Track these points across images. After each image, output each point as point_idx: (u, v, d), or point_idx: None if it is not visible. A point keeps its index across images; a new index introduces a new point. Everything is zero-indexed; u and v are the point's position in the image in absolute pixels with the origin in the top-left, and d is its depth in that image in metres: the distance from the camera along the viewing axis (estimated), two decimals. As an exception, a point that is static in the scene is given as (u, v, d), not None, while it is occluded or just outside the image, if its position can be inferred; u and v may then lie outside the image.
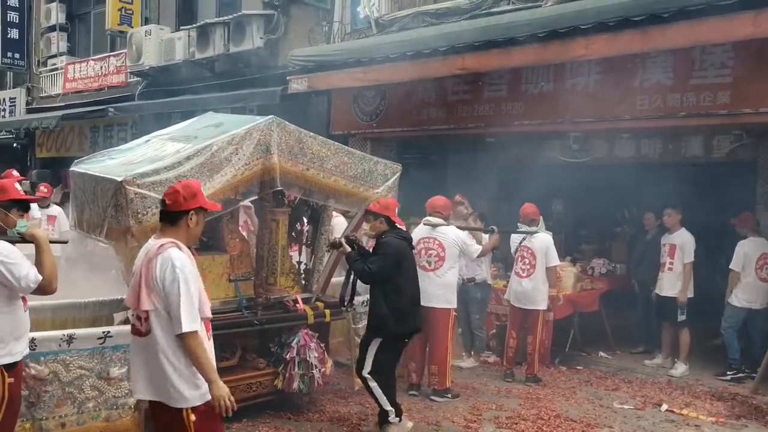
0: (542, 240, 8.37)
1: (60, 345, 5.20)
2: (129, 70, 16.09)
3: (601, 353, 9.86)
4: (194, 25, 14.09)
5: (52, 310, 6.36)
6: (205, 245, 6.35)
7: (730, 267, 8.78)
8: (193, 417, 3.98)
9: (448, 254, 7.56)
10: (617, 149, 10.73)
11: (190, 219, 4.10)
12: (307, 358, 6.46)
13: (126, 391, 5.53)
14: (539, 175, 10.47)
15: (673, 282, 9.02)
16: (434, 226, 7.64)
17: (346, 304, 6.67)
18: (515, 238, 8.68)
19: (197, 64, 14.19)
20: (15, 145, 20.44)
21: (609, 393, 8.13)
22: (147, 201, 5.36)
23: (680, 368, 8.97)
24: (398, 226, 6.46)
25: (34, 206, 9.82)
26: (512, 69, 9.46)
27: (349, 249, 6.34)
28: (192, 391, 3.99)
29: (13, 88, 21.16)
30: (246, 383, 6.37)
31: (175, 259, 3.92)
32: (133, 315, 4.15)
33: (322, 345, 6.73)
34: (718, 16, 7.07)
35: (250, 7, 13.26)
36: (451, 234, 7.63)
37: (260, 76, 12.82)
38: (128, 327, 5.73)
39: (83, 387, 5.33)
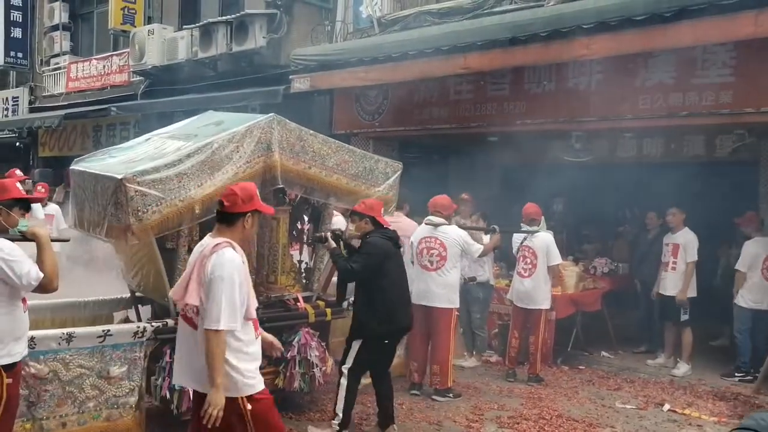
0: (543, 239, 8.37)
1: (59, 343, 5.19)
2: (132, 70, 16.10)
3: (604, 353, 9.85)
4: (197, 25, 14.08)
5: (51, 309, 6.36)
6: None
7: (736, 267, 8.76)
8: (249, 405, 4.16)
9: (449, 254, 7.55)
10: (619, 149, 10.74)
11: (247, 221, 4.32)
12: (308, 357, 6.44)
13: (127, 391, 5.55)
14: (541, 174, 10.47)
15: (676, 281, 9.02)
16: (436, 225, 7.64)
17: (338, 302, 6.69)
18: (517, 238, 8.68)
19: (200, 64, 14.18)
20: (18, 144, 20.45)
21: (611, 393, 8.12)
22: (147, 199, 5.33)
23: (683, 368, 8.96)
24: (384, 226, 6.38)
25: (37, 206, 9.85)
26: (514, 68, 9.46)
27: (333, 244, 6.25)
28: (245, 380, 4.18)
29: (16, 87, 21.18)
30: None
31: (228, 260, 4.11)
32: (189, 307, 4.30)
33: (323, 344, 6.71)
34: (720, 15, 7.08)
35: (252, 7, 13.26)
36: (452, 233, 7.62)
37: (263, 76, 12.83)
38: (128, 326, 5.83)
39: (83, 386, 5.32)
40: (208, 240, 4.31)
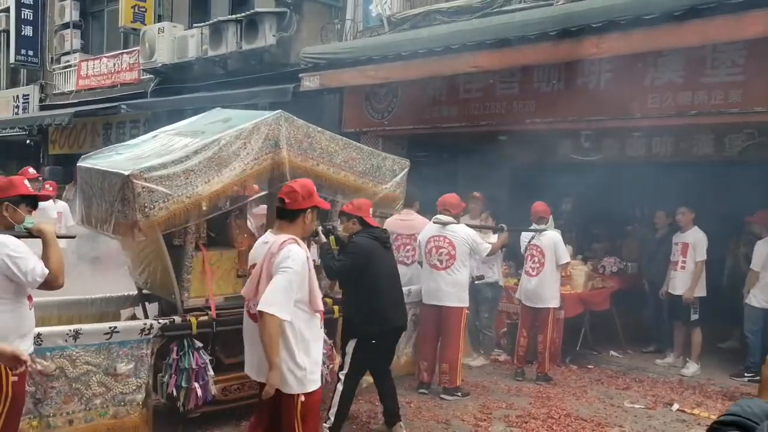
0: (551, 238, 8.35)
1: (66, 340, 5.21)
2: (142, 68, 16.13)
3: (612, 352, 9.83)
4: (207, 23, 14.09)
5: (58, 306, 6.39)
6: (213, 241, 6.36)
7: (751, 267, 8.71)
8: (302, 398, 4.38)
9: (458, 252, 7.54)
10: (628, 148, 10.69)
11: (307, 217, 4.56)
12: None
13: (133, 388, 5.56)
14: (550, 173, 10.44)
15: (685, 281, 8.98)
16: (444, 224, 7.62)
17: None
18: (525, 237, 8.66)
19: (210, 62, 14.20)
20: (28, 141, 20.55)
21: (620, 392, 8.10)
22: (154, 195, 5.34)
23: (692, 368, 8.93)
24: (371, 225, 6.32)
25: (49, 204, 9.90)
26: (524, 67, 9.43)
27: (324, 239, 6.20)
28: (307, 377, 4.39)
29: (27, 85, 21.28)
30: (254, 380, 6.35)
31: (296, 254, 4.30)
32: (251, 303, 4.52)
33: (331, 341, 6.70)
34: (730, 14, 7.02)
35: (262, 5, 13.27)
36: (461, 232, 7.61)
37: (272, 74, 12.82)
38: (135, 323, 5.85)
39: (90, 383, 5.34)
40: (271, 237, 4.51)
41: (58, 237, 4.57)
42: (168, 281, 5.90)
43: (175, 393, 5.72)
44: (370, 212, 6.33)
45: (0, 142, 22.06)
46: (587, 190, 10.17)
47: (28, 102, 20.86)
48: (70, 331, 5.24)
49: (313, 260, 6.86)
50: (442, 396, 7.58)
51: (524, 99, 9.83)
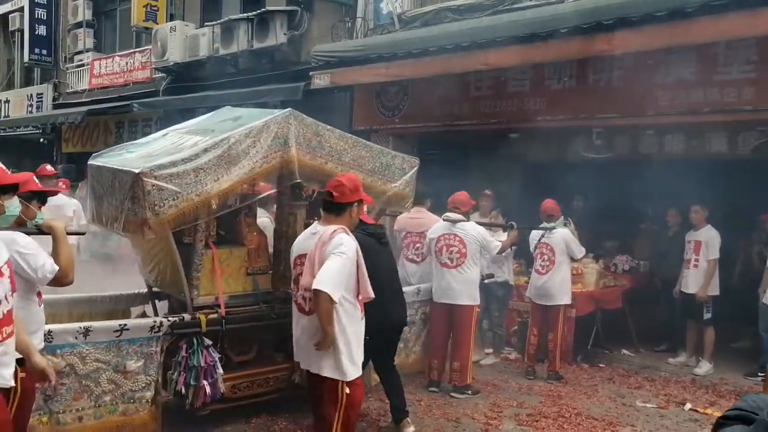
0: (561, 235, 8.32)
1: (76, 337, 5.22)
2: (154, 66, 16.20)
3: (624, 351, 9.76)
4: (218, 22, 14.15)
5: (68, 303, 6.40)
6: (222, 239, 6.36)
7: (767, 267, 8.64)
8: (347, 389, 4.63)
9: (469, 250, 7.52)
10: (640, 145, 10.63)
11: (353, 210, 4.81)
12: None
13: (143, 385, 5.57)
14: (562, 171, 10.40)
15: (698, 279, 8.91)
16: (454, 222, 7.60)
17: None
18: (534, 235, 8.63)
19: (221, 60, 14.25)
20: (42, 140, 20.66)
21: (632, 391, 8.05)
22: (164, 193, 5.34)
23: (705, 367, 8.86)
24: (366, 222, 6.30)
25: (66, 201, 9.96)
26: (535, 65, 9.40)
27: None
28: (349, 366, 4.64)
29: (41, 83, 21.39)
30: (263, 377, 6.37)
31: (347, 241, 4.56)
32: (298, 294, 4.82)
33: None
34: (743, 10, 6.97)
35: (273, 3, 13.29)
36: (471, 230, 7.59)
37: (283, 72, 12.87)
38: (145, 321, 5.86)
39: (100, 380, 5.36)
40: (319, 228, 4.73)
41: (68, 234, 4.58)
42: (178, 279, 5.91)
43: (184, 390, 5.73)
44: (365, 209, 6.30)
45: (14, 141, 22.19)
46: (599, 188, 10.13)
47: (41, 101, 20.99)
48: (81, 328, 5.26)
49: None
50: (452, 394, 7.57)
51: (535, 96, 9.81)
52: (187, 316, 5.83)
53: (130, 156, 6.14)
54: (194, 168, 5.52)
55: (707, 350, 8.93)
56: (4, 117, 22.18)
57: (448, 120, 10.87)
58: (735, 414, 1.67)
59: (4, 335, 3.64)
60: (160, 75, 16.34)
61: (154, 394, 5.65)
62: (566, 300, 8.39)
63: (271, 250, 6.53)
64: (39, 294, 4.39)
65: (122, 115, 17.68)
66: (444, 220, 7.68)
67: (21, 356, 4.20)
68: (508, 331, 9.42)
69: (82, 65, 19.44)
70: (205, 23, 14.97)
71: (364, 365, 6.24)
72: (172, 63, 15.12)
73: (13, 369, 3.79)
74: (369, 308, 5.93)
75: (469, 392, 7.60)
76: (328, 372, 4.64)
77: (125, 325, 5.49)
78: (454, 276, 7.50)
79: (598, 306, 9.29)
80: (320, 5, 12.76)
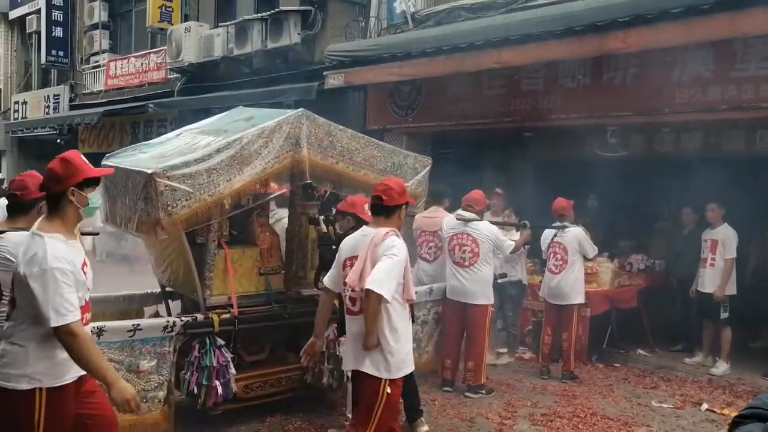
0: (574, 235, 8.27)
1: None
2: (169, 67, 16.26)
3: (640, 350, 9.70)
4: (233, 22, 14.19)
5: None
6: (235, 239, 6.37)
7: None
8: (388, 389, 4.67)
9: (482, 250, 7.49)
10: (656, 143, 10.57)
11: (401, 212, 4.91)
12: (337, 353, 6.43)
13: (155, 385, 5.58)
14: (577, 169, 10.34)
15: (714, 278, 8.83)
16: (467, 221, 7.58)
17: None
18: (547, 235, 8.59)
19: (235, 60, 14.29)
20: (59, 141, 20.78)
21: (647, 391, 8.00)
22: (177, 193, 5.36)
23: (721, 367, 8.79)
24: (366, 222, 6.28)
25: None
26: (549, 63, 9.34)
27: (324, 229, 6.21)
28: (397, 363, 4.69)
29: (57, 85, 21.56)
30: (276, 377, 6.38)
31: (397, 244, 4.66)
32: (346, 296, 4.87)
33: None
34: (761, 6, 6.89)
35: (287, 4, 13.29)
36: (484, 229, 7.56)
37: (297, 72, 12.89)
38: (158, 320, 5.87)
39: (113, 380, 5.36)
40: (370, 230, 4.82)
41: (82, 234, 4.58)
42: (190, 279, 5.92)
43: (196, 390, 5.74)
44: (365, 208, 6.29)
45: (32, 141, 22.38)
46: (614, 187, 10.07)
47: (58, 102, 21.13)
48: (94, 328, 5.24)
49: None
50: (466, 394, 7.55)
51: (549, 95, 9.76)
52: (199, 316, 5.84)
53: (143, 156, 6.16)
54: (207, 168, 5.54)
55: (724, 350, 8.85)
56: (22, 118, 22.36)
57: (462, 119, 10.84)
58: (750, 413, 1.68)
59: (86, 320, 3.79)
60: (175, 75, 16.40)
61: (167, 393, 5.66)
62: (580, 299, 8.34)
63: (283, 249, 6.53)
64: None
65: (138, 116, 17.77)
66: (457, 218, 7.65)
67: None
68: (522, 331, 9.40)
69: (98, 66, 19.56)
70: (220, 23, 15.00)
71: None
72: (186, 63, 15.17)
73: None
74: None
75: (483, 392, 7.58)
76: (370, 369, 4.68)
77: (138, 325, 5.51)
78: (467, 275, 7.48)
79: (613, 305, 9.25)
80: (334, 5, 12.77)
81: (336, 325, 6.45)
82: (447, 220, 7.80)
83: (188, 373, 5.77)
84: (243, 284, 6.24)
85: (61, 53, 20.73)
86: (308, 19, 12.86)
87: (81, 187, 3.76)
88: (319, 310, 5.21)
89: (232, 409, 6.10)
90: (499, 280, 8.33)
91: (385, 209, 4.84)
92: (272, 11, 13.15)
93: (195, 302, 6.10)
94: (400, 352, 4.72)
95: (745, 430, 1.66)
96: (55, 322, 3.47)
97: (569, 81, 9.54)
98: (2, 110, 23.76)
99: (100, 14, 19.29)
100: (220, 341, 5.88)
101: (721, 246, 8.80)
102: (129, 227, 5.78)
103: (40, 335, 3.60)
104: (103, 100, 18.85)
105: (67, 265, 3.57)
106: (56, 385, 3.65)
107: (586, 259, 8.43)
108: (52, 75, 22.02)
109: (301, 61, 13.11)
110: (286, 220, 6.90)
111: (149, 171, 5.37)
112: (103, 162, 6.46)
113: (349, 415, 6.13)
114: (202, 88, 15.04)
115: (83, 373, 3.74)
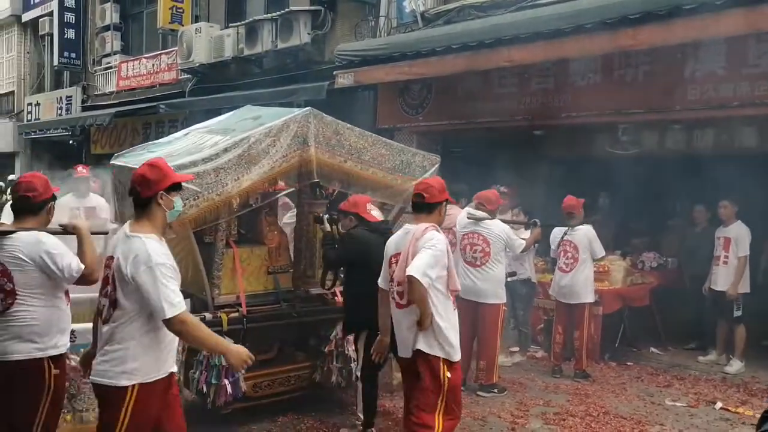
0: (584, 233, 8.24)
1: (99, 336, 5.23)
2: (180, 68, 16.25)
3: (653, 349, 9.66)
4: (243, 22, 14.18)
5: (91, 302, 6.37)
6: (243, 238, 6.37)
7: None
8: (449, 374, 4.89)
9: (493, 249, 7.48)
10: (668, 141, 10.49)
11: (442, 209, 5.12)
12: (346, 352, 6.43)
13: (165, 384, 5.57)
14: (588, 167, 10.29)
15: (728, 276, 8.77)
16: (478, 220, 7.55)
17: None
18: (557, 234, 8.55)
19: (246, 61, 14.29)
20: (71, 142, 20.88)
21: (661, 390, 7.97)
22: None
23: (736, 365, 8.73)
24: (369, 221, 6.23)
25: (102, 203, 10.00)
26: (559, 60, 9.29)
27: (328, 228, 6.18)
28: (451, 348, 4.91)
29: (70, 86, 21.60)
30: (284, 376, 6.39)
31: (437, 237, 4.86)
32: (393, 291, 5.09)
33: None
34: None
35: (297, 4, 13.27)
36: (495, 228, 7.54)
37: (307, 72, 12.88)
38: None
39: (122, 379, 5.36)
40: (412, 227, 5.03)
41: (92, 233, 4.63)
42: (199, 278, 5.93)
43: (205, 389, 5.74)
44: (368, 208, 6.29)
45: (45, 143, 22.48)
46: (625, 185, 10.01)
47: (71, 103, 21.18)
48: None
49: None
50: (478, 393, 7.55)
51: (560, 93, 9.72)
52: (208, 315, 5.85)
53: (151, 156, 6.15)
54: (215, 168, 5.55)
55: (738, 348, 8.79)
56: (35, 120, 22.42)
57: (472, 117, 10.80)
58: None
59: None
60: (186, 76, 16.40)
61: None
62: (590, 298, 8.31)
63: (292, 248, 6.52)
64: (66, 293, 4.51)
65: (149, 117, 17.79)
66: (468, 216, 7.63)
67: (54, 354, 4.28)
68: (534, 329, 9.37)
69: (110, 68, 19.60)
70: (230, 24, 14.99)
71: (376, 365, 6.27)
72: (197, 64, 15.16)
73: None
74: (367, 305, 5.90)
75: (496, 391, 7.58)
76: (427, 348, 4.86)
77: (147, 324, 5.49)
78: (479, 275, 7.49)
79: (626, 303, 9.22)
80: (344, 5, 12.75)
81: (343, 324, 6.47)
82: (460, 218, 7.80)
83: (197, 372, 5.78)
84: (251, 283, 6.25)
85: (73, 55, 20.78)
86: (318, 19, 12.84)
87: (168, 191, 3.92)
88: (380, 308, 5.34)
89: (241, 408, 6.11)
90: (509, 279, 8.30)
91: (426, 206, 5.04)
92: (282, 11, 13.13)
93: (204, 301, 6.11)
94: (450, 338, 4.89)
95: None
96: (170, 312, 3.68)
97: (580, 79, 9.50)
98: (16, 112, 23.84)
99: (112, 16, 19.30)
100: (229, 340, 5.86)
101: (734, 243, 8.73)
102: (137, 227, 5.77)
103: (140, 333, 3.79)
104: (115, 101, 18.88)
105: (168, 260, 3.82)
106: (149, 381, 3.80)
107: (593, 259, 8.38)
108: (64, 77, 22.07)
109: (311, 60, 13.10)
110: None
111: (156, 170, 5.35)
112: (112, 161, 6.49)
113: (360, 415, 6.13)
114: (212, 88, 15.03)
115: (174, 370, 4.03)
